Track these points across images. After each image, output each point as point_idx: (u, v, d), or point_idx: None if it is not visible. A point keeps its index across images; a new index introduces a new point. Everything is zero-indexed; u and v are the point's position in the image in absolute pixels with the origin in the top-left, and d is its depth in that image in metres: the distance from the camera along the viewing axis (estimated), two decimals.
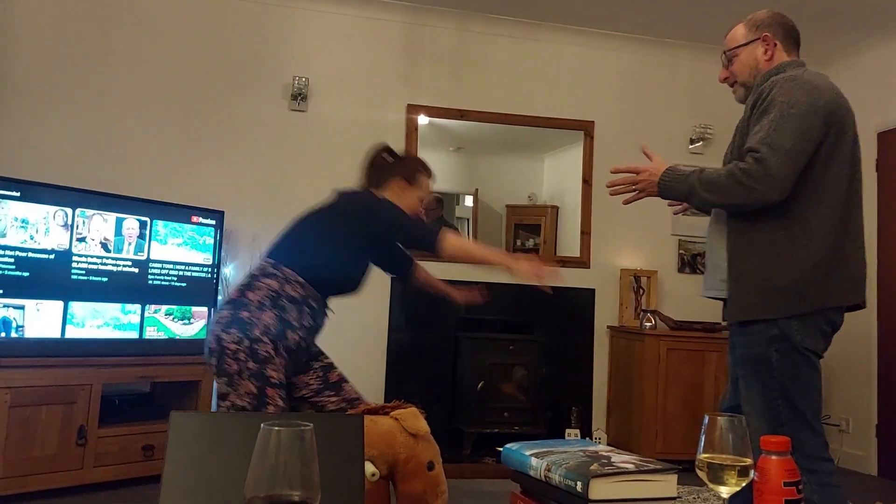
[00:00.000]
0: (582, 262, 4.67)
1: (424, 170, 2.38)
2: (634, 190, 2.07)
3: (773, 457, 1.09)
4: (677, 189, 2.01)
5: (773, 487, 1.06)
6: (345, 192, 2.28)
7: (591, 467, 1.08)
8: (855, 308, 1.99)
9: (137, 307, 3.56)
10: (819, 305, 1.91)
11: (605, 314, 4.67)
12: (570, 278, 4.63)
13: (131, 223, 3.56)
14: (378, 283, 4.31)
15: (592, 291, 4.65)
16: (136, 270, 3.56)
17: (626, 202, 2.11)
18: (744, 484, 1.10)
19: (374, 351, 4.29)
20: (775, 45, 2.10)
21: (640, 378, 4.29)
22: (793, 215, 1.92)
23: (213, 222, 3.87)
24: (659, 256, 4.78)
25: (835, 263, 1.91)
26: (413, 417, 1.65)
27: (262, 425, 0.92)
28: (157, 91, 4.14)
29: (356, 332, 4.26)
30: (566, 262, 4.65)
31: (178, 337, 3.69)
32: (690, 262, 4.82)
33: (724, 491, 1.10)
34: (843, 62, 4.87)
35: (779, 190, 1.86)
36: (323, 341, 4.18)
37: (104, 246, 3.46)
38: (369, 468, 1.53)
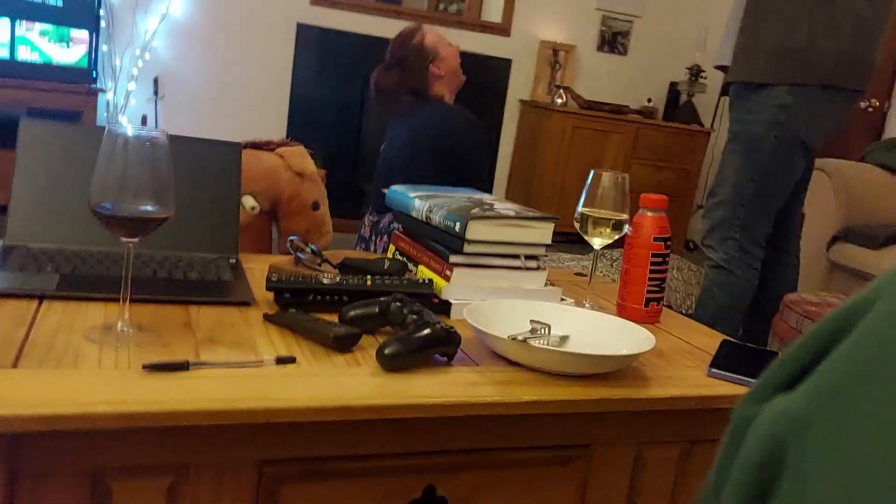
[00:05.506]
0: (503, 28, 4.46)
1: None
2: None
3: (649, 213, 1.10)
4: None
5: (643, 241, 1.08)
6: None
7: (473, 211, 1.06)
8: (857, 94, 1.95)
9: (6, 22, 3.18)
10: (826, 79, 1.87)
11: (520, 88, 4.58)
12: (489, 47, 4.44)
13: None
14: (282, 30, 4.00)
15: (509, 62, 4.51)
16: None
17: None
18: (616, 237, 1.12)
19: (276, 107, 4.08)
20: None
21: (543, 153, 4.33)
22: None
23: None
24: (580, 30, 4.61)
25: (852, 38, 1.86)
26: (300, 156, 1.57)
27: (106, 129, 0.82)
28: None
29: (255, 87, 4.01)
30: (486, 28, 4.43)
31: (55, 63, 3.37)
32: (611, 41, 4.69)
33: (597, 242, 1.12)
34: None
35: None
36: (219, 95, 3.93)
37: None
38: (249, 201, 1.48)
